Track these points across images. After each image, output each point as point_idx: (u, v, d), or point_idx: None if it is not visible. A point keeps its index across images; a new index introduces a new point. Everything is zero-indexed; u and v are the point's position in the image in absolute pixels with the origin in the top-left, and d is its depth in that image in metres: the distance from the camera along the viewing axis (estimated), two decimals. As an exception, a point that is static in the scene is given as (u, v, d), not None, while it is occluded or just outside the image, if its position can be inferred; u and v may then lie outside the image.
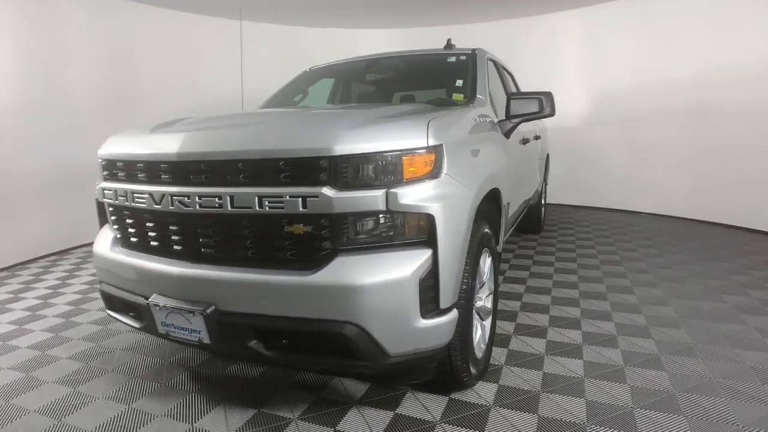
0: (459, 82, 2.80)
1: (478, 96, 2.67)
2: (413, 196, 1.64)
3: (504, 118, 2.69)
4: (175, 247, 1.87)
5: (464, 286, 1.89)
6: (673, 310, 3.05)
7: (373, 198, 1.60)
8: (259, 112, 2.64)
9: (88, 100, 5.09)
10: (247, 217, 1.69)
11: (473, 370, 2.09)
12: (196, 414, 2.05)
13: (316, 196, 1.60)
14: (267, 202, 1.64)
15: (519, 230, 5.49)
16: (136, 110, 5.47)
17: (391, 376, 2.22)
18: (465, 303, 1.90)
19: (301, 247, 1.68)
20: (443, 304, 1.73)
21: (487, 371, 2.31)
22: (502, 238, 2.65)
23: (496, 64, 3.53)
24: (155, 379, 2.36)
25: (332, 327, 1.63)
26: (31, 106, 4.56)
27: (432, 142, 1.71)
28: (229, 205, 1.69)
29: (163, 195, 1.81)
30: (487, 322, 2.40)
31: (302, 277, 1.63)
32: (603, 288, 3.48)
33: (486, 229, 2.21)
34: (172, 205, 1.79)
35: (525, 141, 3.45)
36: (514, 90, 4.06)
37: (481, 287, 2.32)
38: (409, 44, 3.98)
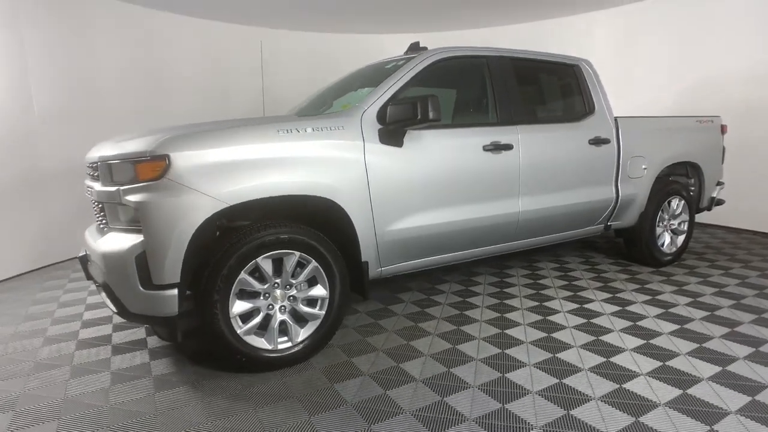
0: (364, 90, 2.83)
1: (358, 104, 2.67)
2: (135, 194, 2.16)
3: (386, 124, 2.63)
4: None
5: (208, 274, 2.24)
6: None
7: (112, 193, 2.23)
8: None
9: (119, 106, 5.28)
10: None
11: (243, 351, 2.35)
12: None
13: (93, 188, 2.35)
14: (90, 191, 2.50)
15: (629, 259, 4.32)
16: (165, 115, 5.64)
17: (154, 331, 2.77)
18: (203, 288, 2.25)
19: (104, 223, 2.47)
20: (156, 281, 2.17)
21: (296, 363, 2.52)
22: (365, 250, 2.63)
23: (488, 60, 3.15)
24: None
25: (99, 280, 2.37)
26: (69, 112, 4.77)
27: (158, 153, 2.15)
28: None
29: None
30: (313, 324, 2.55)
31: (95, 242, 2.41)
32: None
33: (293, 235, 2.39)
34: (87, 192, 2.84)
35: (497, 147, 2.98)
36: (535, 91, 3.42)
37: (293, 288, 2.49)
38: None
